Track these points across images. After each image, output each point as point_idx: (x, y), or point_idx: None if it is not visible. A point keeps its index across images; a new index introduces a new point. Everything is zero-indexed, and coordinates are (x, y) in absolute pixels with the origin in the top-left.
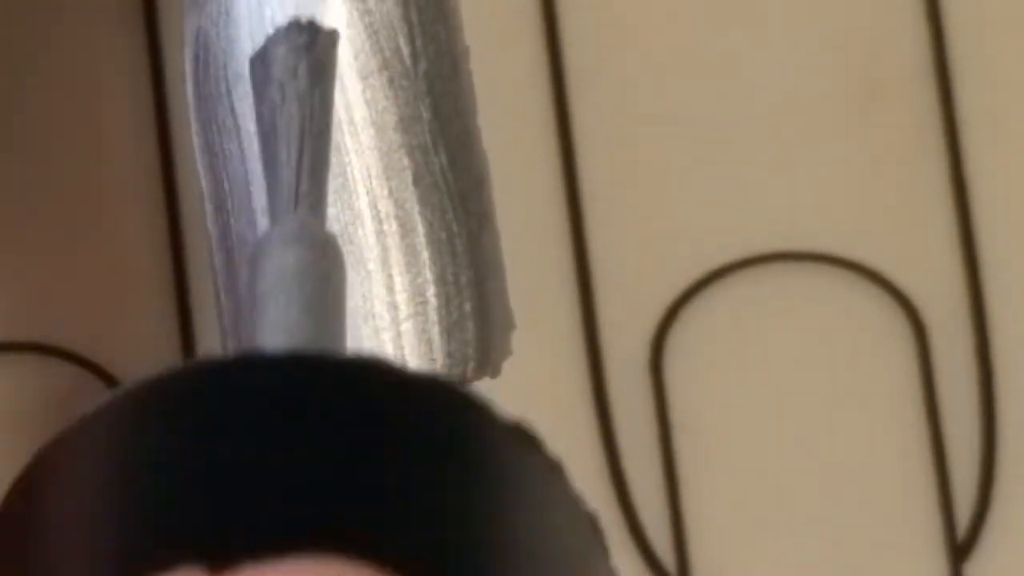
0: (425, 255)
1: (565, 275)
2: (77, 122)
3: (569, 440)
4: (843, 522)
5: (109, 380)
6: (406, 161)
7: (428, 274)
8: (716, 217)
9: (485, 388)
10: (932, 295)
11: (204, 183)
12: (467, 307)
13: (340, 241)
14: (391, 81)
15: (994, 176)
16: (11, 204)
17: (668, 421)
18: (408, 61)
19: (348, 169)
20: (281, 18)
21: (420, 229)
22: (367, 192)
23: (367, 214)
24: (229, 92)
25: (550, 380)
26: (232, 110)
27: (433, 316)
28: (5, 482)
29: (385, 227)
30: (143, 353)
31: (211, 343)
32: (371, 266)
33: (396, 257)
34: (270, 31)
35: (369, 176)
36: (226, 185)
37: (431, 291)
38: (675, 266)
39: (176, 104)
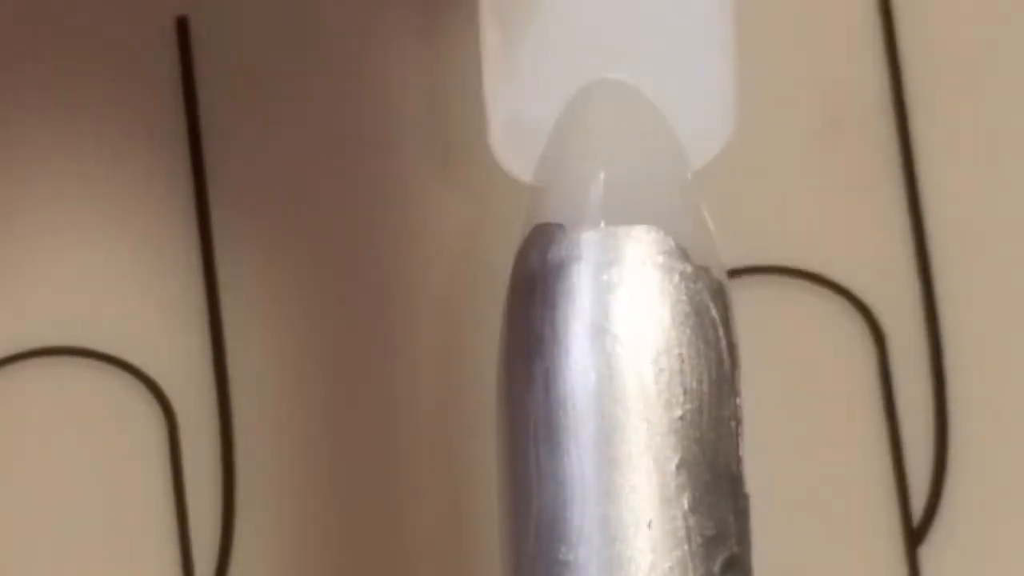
0: None
1: None
2: (108, 121)
3: None
4: (807, 514)
5: (146, 381)
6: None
7: None
8: None
9: None
10: (890, 305)
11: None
12: None
13: None
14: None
15: (946, 197)
16: (42, 210)
17: None
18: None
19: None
20: None
21: None
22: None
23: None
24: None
25: None
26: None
27: None
28: (37, 484)
29: None
30: (176, 353)
31: (240, 341)
32: None
33: None
34: None
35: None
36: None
37: None
38: None
39: (206, 104)
